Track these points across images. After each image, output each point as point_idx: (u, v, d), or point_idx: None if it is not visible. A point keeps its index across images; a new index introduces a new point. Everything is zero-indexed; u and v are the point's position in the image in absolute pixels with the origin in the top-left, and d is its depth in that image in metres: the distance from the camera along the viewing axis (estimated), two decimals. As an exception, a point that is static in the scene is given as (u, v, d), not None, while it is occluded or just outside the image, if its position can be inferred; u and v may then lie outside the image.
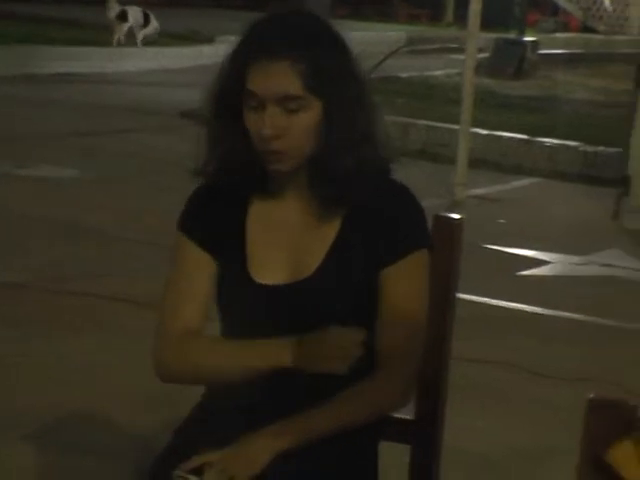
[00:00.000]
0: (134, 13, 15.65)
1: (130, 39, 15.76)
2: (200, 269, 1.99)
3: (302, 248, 1.99)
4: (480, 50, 10.80)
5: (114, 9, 15.48)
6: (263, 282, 1.94)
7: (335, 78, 1.87)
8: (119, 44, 15.55)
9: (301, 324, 1.92)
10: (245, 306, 1.99)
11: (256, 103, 1.84)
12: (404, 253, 1.92)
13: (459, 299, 2.21)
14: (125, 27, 15.58)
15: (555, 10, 24.38)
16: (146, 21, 16.00)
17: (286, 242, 1.99)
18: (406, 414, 2.15)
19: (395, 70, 13.23)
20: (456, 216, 2.27)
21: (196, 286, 1.98)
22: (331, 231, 1.96)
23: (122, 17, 15.52)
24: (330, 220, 1.98)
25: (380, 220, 1.95)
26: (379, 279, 1.94)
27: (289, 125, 1.84)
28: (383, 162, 1.98)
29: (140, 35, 15.92)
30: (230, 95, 1.89)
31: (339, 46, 1.92)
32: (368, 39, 14.13)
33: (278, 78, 1.83)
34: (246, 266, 1.97)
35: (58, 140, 9.86)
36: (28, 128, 10.12)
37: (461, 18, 13.58)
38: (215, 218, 2.03)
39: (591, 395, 1.49)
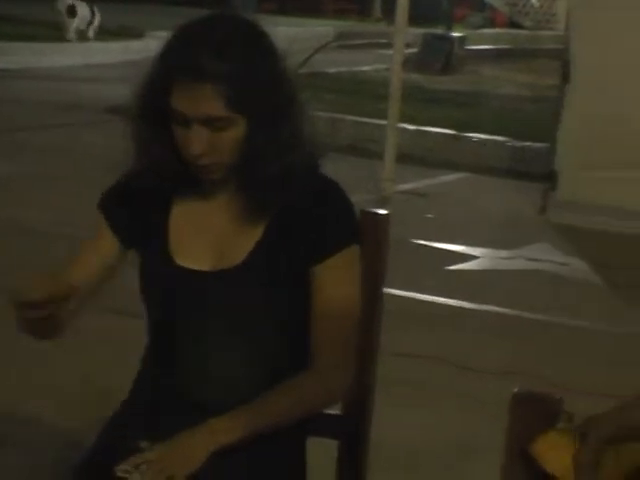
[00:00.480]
0: (82, 8, 15.86)
1: (78, 34, 15.99)
2: (100, 248, 2.03)
3: (228, 242, 2.01)
4: (408, 45, 10.91)
5: (63, 4, 15.60)
6: (185, 265, 1.96)
7: (257, 94, 1.90)
8: (70, 39, 15.77)
9: (219, 312, 1.96)
10: (166, 288, 2.02)
11: (182, 120, 1.88)
12: (334, 250, 1.94)
13: (388, 294, 2.22)
14: (75, 22, 15.72)
15: (483, 6, 24.75)
16: (93, 16, 16.29)
17: (212, 236, 2.02)
18: (334, 409, 2.17)
19: (323, 65, 13.31)
20: (383, 211, 2.29)
21: (89, 258, 2.03)
22: (259, 229, 1.99)
23: (71, 12, 15.67)
24: (258, 220, 2.00)
25: (309, 218, 1.97)
26: (309, 276, 1.96)
27: (215, 142, 1.89)
28: (311, 161, 2.02)
29: (90, 30, 16.14)
30: (157, 105, 1.92)
31: (265, 57, 1.94)
32: (296, 35, 14.06)
33: (201, 101, 1.87)
34: (168, 250, 2.00)
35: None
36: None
37: (389, 13, 13.77)
38: (138, 207, 2.05)
39: (516, 389, 1.56)
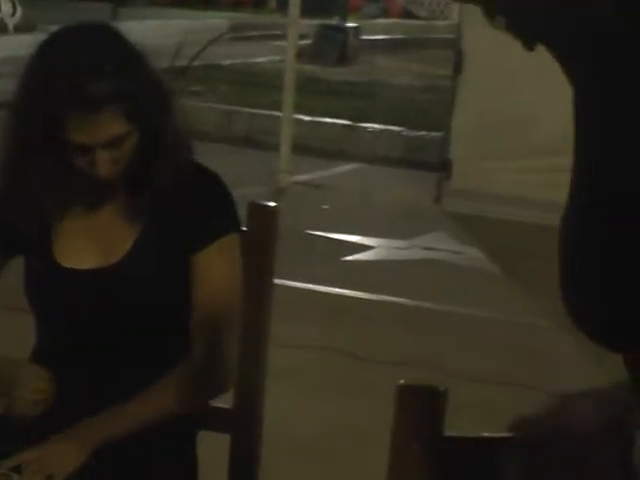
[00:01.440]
0: (5, 2, 16.07)
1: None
2: None
3: (110, 238, 2.07)
4: (303, 37, 11.06)
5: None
6: (69, 266, 2.01)
7: (146, 101, 1.97)
8: (-2, 33, 16.30)
9: (105, 308, 2.01)
10: (52, 291, 2.06)
11: (83, 149, 1.91)
12: (211, 239, 2.00)
13: (282, 285, 2.36)
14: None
15: (378, -4, 25.33)
16: (14, 10, 16.41)
17: (95, 233, 2.08)
18: (224, 402, 2.18)
19: (218, 57, 13.20)
20: (272, 204, 2.31)
21: None
22: (139, 223, 2.05)
23: (-5, 7, 16.11)
24: (138, 213, 2.07)
25: (186, 208, 2.03)
26: (191, 265, 2.02)
27: (117, 157, 1.95)
28: (189, 152, 2.09)
29: (10, 24, 16.11)
30: (39, 137, 1.93)
31: (140, 64, 1.99)
32: (190, 27, 14.49)
33: (102, 126, 1.89)
34: (52, 253, 2.04)
35: None
36: None
37: (284, 5, 13.83)
38: (19, 218, 2.07)
39: (401, 381, 1.54)
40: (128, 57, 2.02)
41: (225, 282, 2.06)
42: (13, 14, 16.62)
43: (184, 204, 2.06)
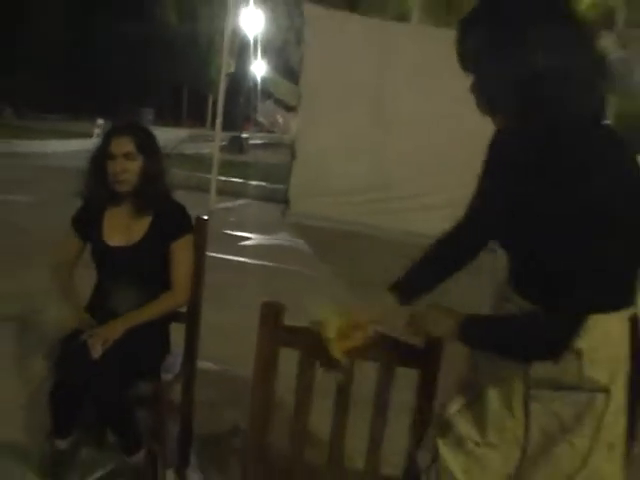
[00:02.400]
0: None
1: None
2: (74, 245, 3.45)
3: (131, 230, 3.29)
4: (222, 140, 16.01)
5: None
6: (111, 244, 3.31)
7: (149, 147, 3.31)
8: None
9: (128, 267, 3.30)
10: (102, 257, 3.36)
11: (112, 156, 3.22)
12: (180, 235, 3.31)
13: (211, 256, 3.54)
14: None
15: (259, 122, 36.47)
16: None
17: (123, 226, 3.32)
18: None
19: (182, 150, 18.73)
20: (205, 217, 3.43)
21: (70, 253, 3.45)
22: (147, 222, 3.30)
23: None
24: (147, 216, 3.30)
25: (171, 219, 3.32)
26: (169, 250, 3.30)
27: (128, 167, 3.24)
28: (168, 190, 3.40)
29: None
30: (101, 156, 3.27)
31: (151, 135, 3.37)
32: (170, 135, 20.34)
33: (124, 145, 3.24)
34: (103, 237, 3.32)
35: None
36: None
37: (213, 122, 18.74)
38: (89, 217, 3.38)
39: (265, 299, 2.35)
40: (147, 132, 3.37)
41: (185, 256, 3.32)
42: None
43: (169, 216, 3.31)
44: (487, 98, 1.87)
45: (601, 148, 1.82)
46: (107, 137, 3.28)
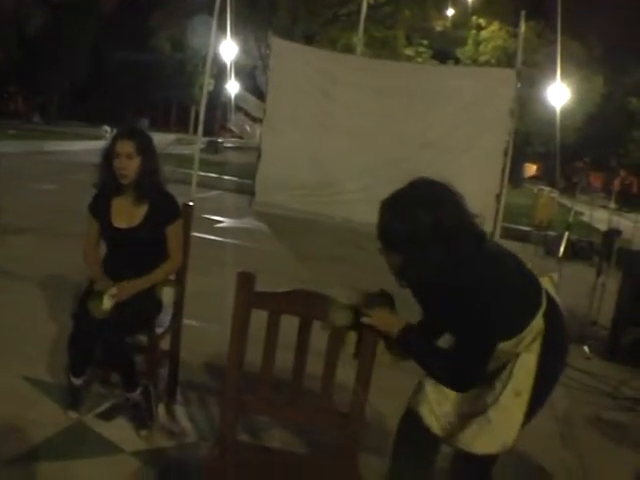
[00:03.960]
0: None
1: None
2: (94, 227, 3.46)
3: (133, 215, 3.37)
4: (202, 143, 15.64)
5: None
6: (117, 226, 3.39)
7: (146, 148, 3.35)
8: None
9: (131, 245, 3.36)
10: (110, 236, 3.43)
11: (117, 155, 3.30)
12: (174, 220, 3.40)
13: (195, 236, 3.63)
14: None
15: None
16: None
17: (126, 212, 3.38)
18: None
19: (169, 150, 17.81)
20: (191, 203, 3.57)
21: (93, 234, 3.47)
22: (145, 209, 3.36)
23: None
24: (145, 204, 3.37)
25: (165, 206, 3.40)
26: (165, 231, 3.37)
27: (128, 164, 3.31)
28: (162, 179, 3.44)
29: None
30: (109, 155, 3.33)
31: (148, 138, 3.40)
32: (161, 138, 18.39)
33: (127, 146, 3.30)
34: (111, 220, 3.39)
35: None
36: None
37: (195, 128, 15.70)
38: (100, 204, 3.43)
39: (240, 270, 2.33)
40: (145, 136, 3.41)
41: (177, 237, 3.42)
42: None
43: (163, 205, 3.38)
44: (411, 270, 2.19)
45: (479, 268, 2.16)
46: (114, 139, 3.33)
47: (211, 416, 3.61)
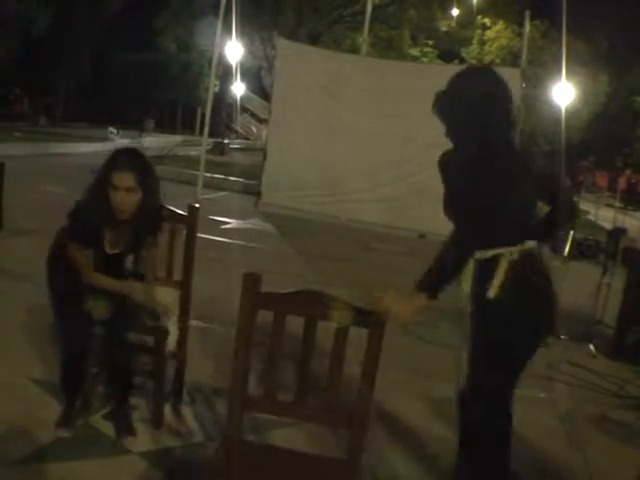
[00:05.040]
0: None
1: None
2: (81, 254, 3.10)
3: (119, 242, 3.23)
4: (208, 145, 14.56)
5: None
6: (109, 252, 3.21)
7: (146, 180, 3.06)
8: None
9: (116, 266, 3.24)
10: (101, 260, 3.17)
11: (115, 188, 3.00)
12: (156, 234, 3.27)
13: (200, 237, 3.63)
14: None
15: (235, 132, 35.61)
16: None
17: (114, 240, 3.21)
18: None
19: (176, 152, 18.57)
20: (197, 205, 3.55)
21: (88, 260, 3.11)
22: (130, 233, 3.18)
23: None
24: (131, 229, 3.16)
25: (150, 226, 3.20)
26: (146, 242, 3.25)
27: (128, 199, 3.03)
28: (159, 207, 3.22)
29: None
30: (103, 185, 3.02)
31: (148, 163, 3.09)
32: (167, 140, 21.93)
33: (126, 179, 3.01)
34: (103, 246, 3.19)
35: None
36: None
37: (202, 129, 16.29)
38: (89, 233, 3.10)
39: (244, 271, 2.30)
40: (147, 164, 3.10)
41: (157, 246, 3.30)
42: None
43: (149, 223, 3.19)
44: (451, 135, 2.67)
45: (505, 163, 2.55)
46: (110, 168, 3.02)
47: (218, 416, 3.60)
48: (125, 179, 2.97)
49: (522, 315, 2.51)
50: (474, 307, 2.60)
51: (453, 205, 2.61)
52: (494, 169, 2.45)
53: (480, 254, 2.54)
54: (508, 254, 2.52)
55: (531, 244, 2.56)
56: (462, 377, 2.68)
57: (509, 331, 2.50)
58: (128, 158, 3.03)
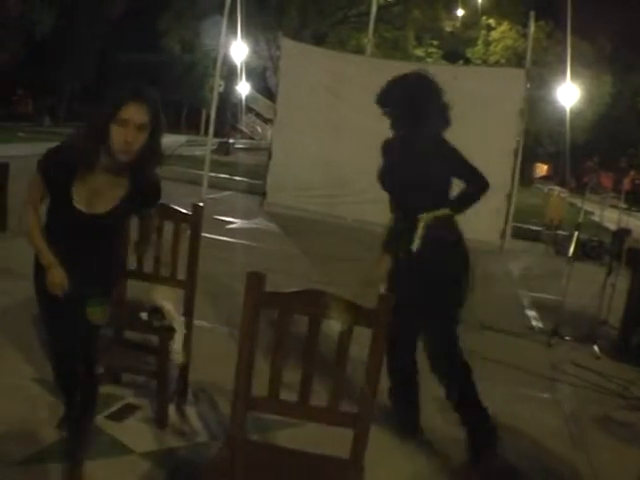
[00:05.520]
0: None
1: None
2: (41, 190, 2.56)
3: (104, 197, 2.57)
4: (213, 145, 14.26)
5: None
6: (80, 209, 2.53)
7: (159, 119, 2.53)
8: None
9: (92, 233, 2.59)
10: (68, 219, 2.55)
11: (124, 123, 2.40)
12: (153, 206, 2.81)
13: (206, 237, 3.61)
14: None
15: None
16: None
17: (96, 193, 2.55)
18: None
19: (180, 152, 17.27)
20: (201, 204, 3.52)
21: (38, 196, 2.58)
22: (122, 191, 2.59)
23: None
24: (123, 186, 2.58)
25: (149, 190, 2.69)
26: (140, 213, 2.79)
27: (137, 137, 2.45)
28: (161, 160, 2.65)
29: None
30: (108, 120, 2.40)
31: (159, 105, 2.52)
32: (173, 139, 18.76)
33: (140, 114, 2.42)
34: (71, 199, 2.52)
35: None
36: None
37: (207, 130, 15.90)
38: (60, 174, 2.48)
39: (249, 270, 2.25)
40: (158, 101, 2.53)
41: (151, 218, 2.89)
42: None
43: (147, 188, 2.67)
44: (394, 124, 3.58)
45: (437, 146, 3.41)
46: (121, 99, 2.41)
47: (222, 416, 3.59)
48: (140, 113, 2.42)
49: (437, 262, 3.31)
50: (405, 257, 3.33)
51: (391, 181, 3.48)
52: (423, 153, 3.31)
53: (408, 218, 3.29)
54: (426, 218, 3.26)
55: (445, 211, 3.32)
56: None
57: (429, 273, 3.33)
58: (141, 90, 2.49)
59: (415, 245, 3.24)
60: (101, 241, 2.61)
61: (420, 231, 3.24)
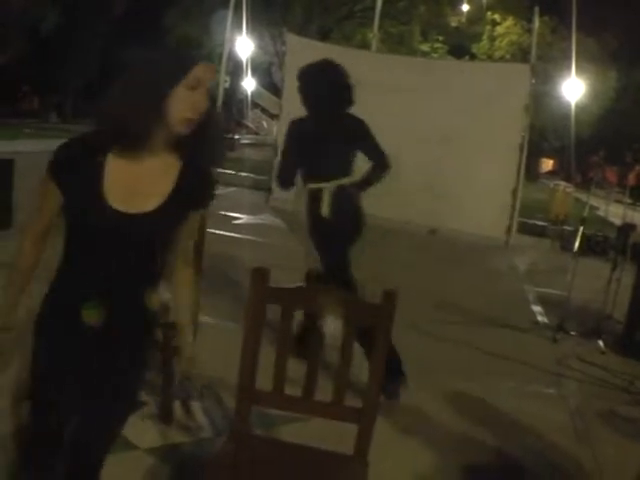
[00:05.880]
0: None
1: None
2: (52, 201, 1.89)
3: (147, 192, 1.87)
4: None
5: None
6: (118, 208, 1.82)
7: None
8: None
9: (133, 242, 1.87)
10: (100, 224, 1.84)
11: (194, 85, 1.82)
12: (203, 207, 2.03)
13: (210, 232, 3.52)
14: None
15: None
16: None
17: (136, 186, 1.87)
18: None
19: None
20: None
21: (48, 213, 1.92)
22: (169, 187, 1.90)
23: None
24: (170, 177, 1.91)
25: (199, 189, 1.95)
26: (188, 216, 1.96)
27: (204, 102, 1.86)
28: (220, 159, 2.09)
29: None
30: (171, 80, 1.80)
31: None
32: None
33: (213, 72, 1.88)
34: (103, 195, 1.82)
35: None
36: None
37: None
38: (83, 163, 1.84)
39: (255, 266, 2.23)
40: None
41: (195, 225, 2.03)
42: None
43: (199, 184, 1.94)
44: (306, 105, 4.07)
45: (344, 122, 4.09)
46: (191, 59, 1.87)
47: (227, 411, 3.59)
48: (212, 71, 1.91)
49: (340, 221, 4.02)
50: (315, 219, 4.03)
51: (300, 155, 3.99)
52: (330, 129, 3.93)
53: (314, 186, 3.96)
54: (330, 187, 3.95)
55: (345, 180, 4.01)
56: (313, 259, 4.14)
57: (333, 229, 4.02)
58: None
59: (324, 211, 3.99)
60: (138, 261, 1.91)
61: (326, 198, 3.95)
